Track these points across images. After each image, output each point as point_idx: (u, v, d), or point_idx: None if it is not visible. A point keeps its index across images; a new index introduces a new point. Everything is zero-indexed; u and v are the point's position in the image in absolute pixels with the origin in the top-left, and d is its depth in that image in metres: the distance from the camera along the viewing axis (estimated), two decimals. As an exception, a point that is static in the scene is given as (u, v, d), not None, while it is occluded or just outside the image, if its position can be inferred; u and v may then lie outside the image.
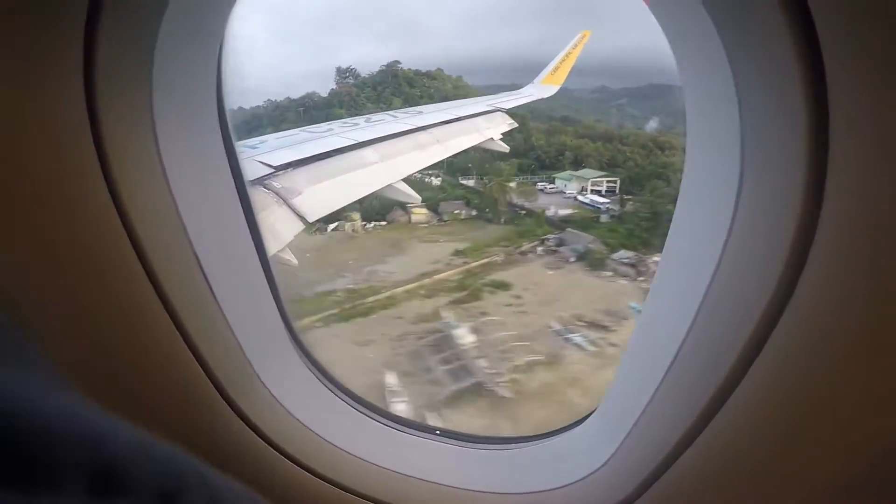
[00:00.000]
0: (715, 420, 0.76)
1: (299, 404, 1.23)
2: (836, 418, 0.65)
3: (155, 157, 0.89)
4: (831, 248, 0.60)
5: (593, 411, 1.24)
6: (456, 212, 12.04)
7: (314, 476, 1.15)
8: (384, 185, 4.29)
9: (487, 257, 10.55)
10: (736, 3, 0.65)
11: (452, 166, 12.11)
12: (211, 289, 1.03)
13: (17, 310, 0.79)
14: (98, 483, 0.15)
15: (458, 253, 10.67)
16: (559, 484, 1.13)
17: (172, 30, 0.82)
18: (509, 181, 12.54)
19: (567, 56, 8.41)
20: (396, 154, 4.60)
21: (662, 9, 0.83)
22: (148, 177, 0.89)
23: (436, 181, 12.42)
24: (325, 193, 3.70)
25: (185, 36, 0.88)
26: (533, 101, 7.95)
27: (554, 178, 12.99)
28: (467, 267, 10.26)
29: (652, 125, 14.25)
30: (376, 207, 10.86)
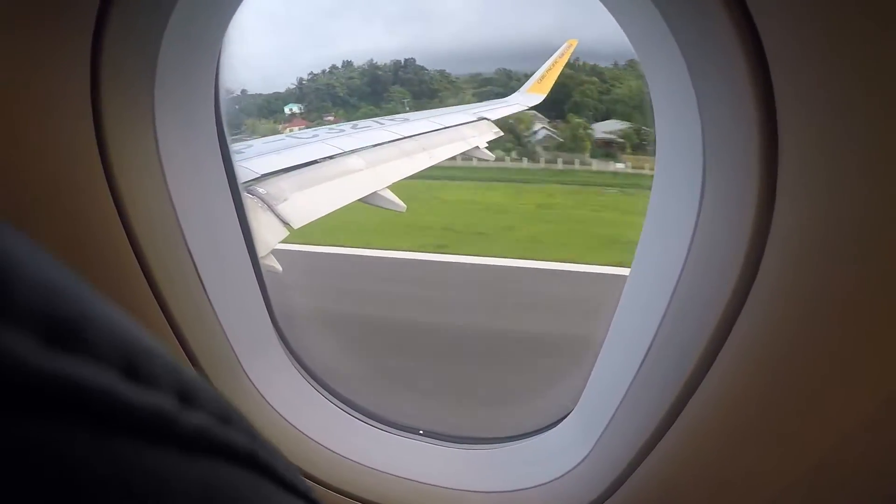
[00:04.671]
0: (683, 414, 0.80)
1: (285, 401, 1.27)
2: (798, 408, 0.68)
3: (154, 155, 0.92)
4: (784, 247, 0.63)
5: (571, 411, 1.29)
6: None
7: None
8: (370, 193, 4.34)
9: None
10: (685, 4, 0.65)
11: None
12: (203, 286, 1.07)
13: None
14: (54, 334, 0.12)
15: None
16: (538, 482, 1.17)
17: (176, 32, 0.85)
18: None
19: (553, 65, 8.49)
20: (382, 162, 4.65)
21: (617, 8, 0.83)
22: (147, 174, 0.93)
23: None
24: (310, 200, 3.74)
25: (188, 40, 0.92)
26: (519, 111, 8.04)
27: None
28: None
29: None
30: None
